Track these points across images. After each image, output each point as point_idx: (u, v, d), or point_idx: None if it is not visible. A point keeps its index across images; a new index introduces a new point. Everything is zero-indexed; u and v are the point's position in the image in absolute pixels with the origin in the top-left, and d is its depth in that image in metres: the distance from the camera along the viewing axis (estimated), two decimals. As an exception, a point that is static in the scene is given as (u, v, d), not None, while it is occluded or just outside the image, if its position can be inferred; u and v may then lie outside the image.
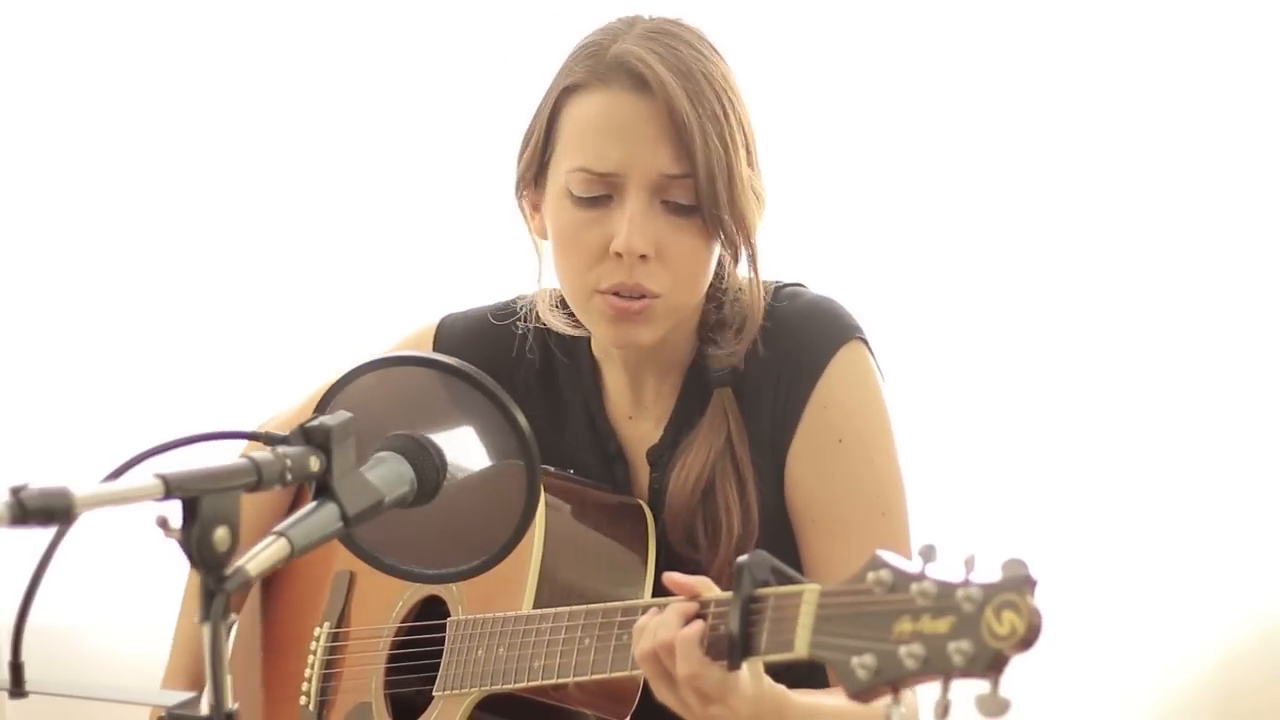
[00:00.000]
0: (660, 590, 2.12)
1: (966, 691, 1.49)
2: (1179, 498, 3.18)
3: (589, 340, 2.29)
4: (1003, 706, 1.47)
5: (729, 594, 1.75)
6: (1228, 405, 3.18)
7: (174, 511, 1.46)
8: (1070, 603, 3.12)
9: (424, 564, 1.74)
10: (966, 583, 1.52)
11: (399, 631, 2.28)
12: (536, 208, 2.21)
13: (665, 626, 1.82)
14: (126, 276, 3.58)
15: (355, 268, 3.51)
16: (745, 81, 2.19)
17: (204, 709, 1.46)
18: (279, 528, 1.53)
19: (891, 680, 1.54)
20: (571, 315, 2.25)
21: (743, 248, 2.16)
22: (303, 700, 2.35)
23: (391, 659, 2.29)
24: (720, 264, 2.19)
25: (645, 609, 1.89)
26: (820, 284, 2.28)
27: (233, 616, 1.45)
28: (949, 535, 2.96)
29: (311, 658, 2.37)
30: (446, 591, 2.22)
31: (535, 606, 2.09)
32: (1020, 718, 1.50)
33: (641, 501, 2.25)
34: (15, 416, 3.62)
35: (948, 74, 3.25)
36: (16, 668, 1.56)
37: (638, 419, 2.28)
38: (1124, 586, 3.19)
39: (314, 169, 3.52)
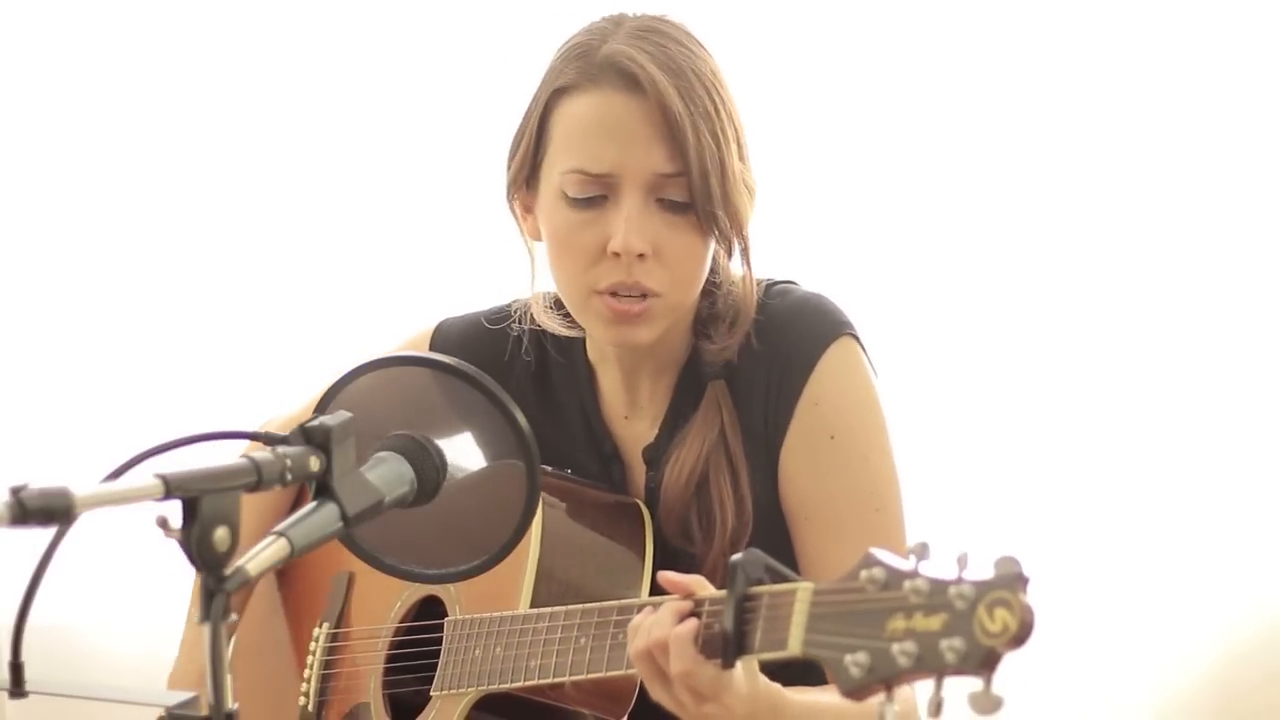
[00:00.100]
0: (657, 589, 2.13)
1: (960, 689, 1.49)
2: (1179, 497, 3.18)
3: (584, 341, 2.30)
4: (995, 704, 1.47)
5: (723, 592, 1.75)
6: (1227, 404, 3.18)
7: (174, 511, 1.46)
8: (1070, 602, 3.12)
9: (424, 564, 1.74)
10: (959, 580, 1.52)
11: (397, 632, 2.29)
12: (529, 210, 2.22)
13: (659, 625, 1.82)
14: (126, 276, 3.58)
15: (354, 270, 3.51)
16: (735, 77, 2.19)
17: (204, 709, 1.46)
18: (279, 528, 1.53)
19: (885, 678, 1.54)
20: (566, 316, 2.26)
21: (735, 242, 2.16)
22: (302, 701, 2.35)
23: (390, 659, 2.29)
24: (714, 258, 2.19)
25: (640, 608, 1.89)
26: (812, 280, 2.28)
27: (233, 616, 1.45)
28: (945, 533, 2.98)
29: (311, 658, 2.37)
30: (444, 591, 2.22)
31: (532, 606, 2.10)
32: (1020, 718, 1.51)
33: (639, 501, 2.25)
34: (15, 416, 3.62)
35: (938, 70, 3.25)
36: (16, 668, 1.56)
37: (633, 419, 2.28)
38: (1123, 586, 3.19)
39: (313, 170, 3.52)
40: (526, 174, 2.19)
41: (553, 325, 2.28)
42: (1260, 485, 3.17)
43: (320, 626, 2.37)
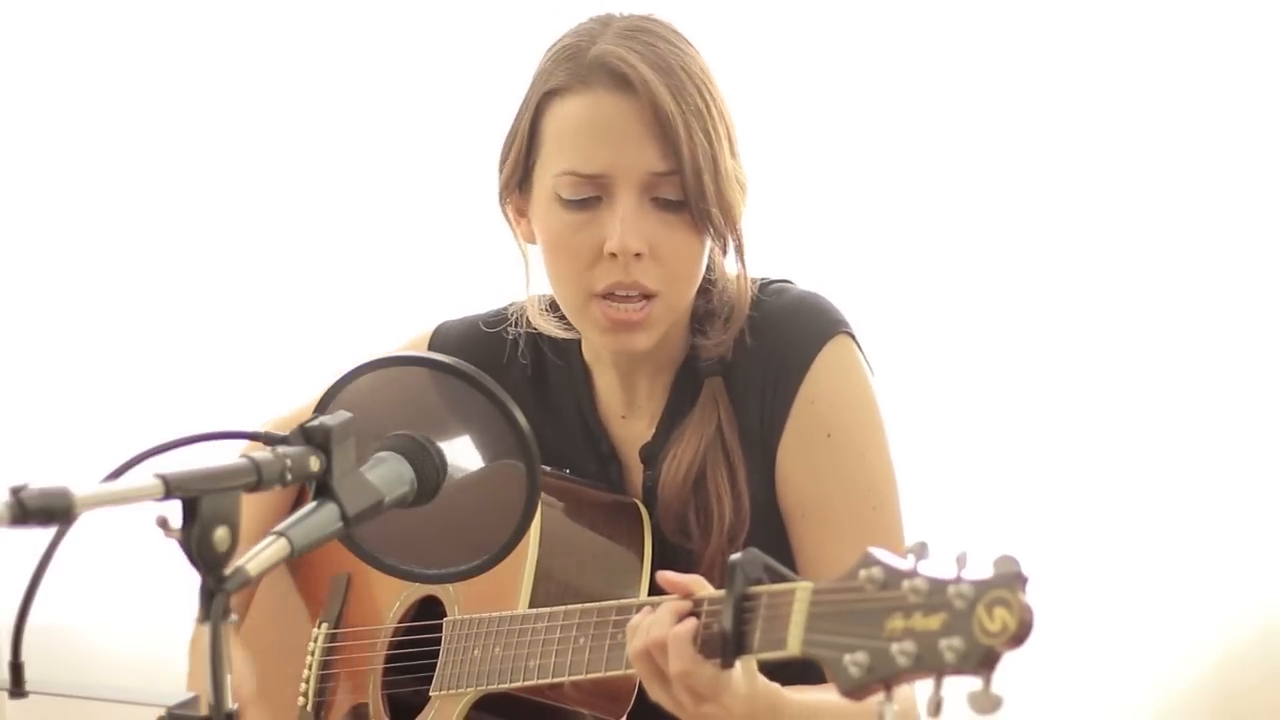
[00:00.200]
0: (656, 589, 2.13)
1: (959, 688, 1.49)
2: (1178, 497, 3.18)
3: (580, 342, 2.30)
4: (995, 703, 1.47)
5: (722, 592, 1.75)
6: (1227, 404, 3.18)
7: (174, 511, 1.46)
8: (1069, 602, 3.12)
9: (424, 564, 1.74)
10: (958, 580, 1.52)
11: (396, 632, 2.29)
12: (522, 214, 2.22)
13: (658, 625, 1.82)
14: (126, 276, 3.58)
15: (354, 271, 3.51)
16: (731, 76, 2.19)
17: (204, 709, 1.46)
18: (279, 527, 1.53)
19: (884, 678, 1.54)
20: (562, 319, 2.26)
21: (729, 238, 2.16)
22: (300, 701, 2.35)
23: (389, 659, 2.29)
24: (709, 256, 2.19)
25: (639, 608, 1.89)
26: (807, 279, 2.28)
27: (233, 616, 1.45)
28: (943, 531, 2.97)
29: (309, 658, 2.37)
30: (443, 591, 2.22)
31: (531, 606, 2.09)
32: (1020, 718, 1.51)
33: (637, 501, 2.25)
34: (15, 416, 3.62)
35: (932, 69, 3.25)
36: (16, 668, 1.56)
37: (630, 419, 2.28)
38: (1123, 586, 3.19)
39: (313, 172, 3.52)
40: (519, 178, 2.19)
41: (548, 328, 2.28)
42: (1260, 485, 3.17)
43: (319, 627, 2.37)
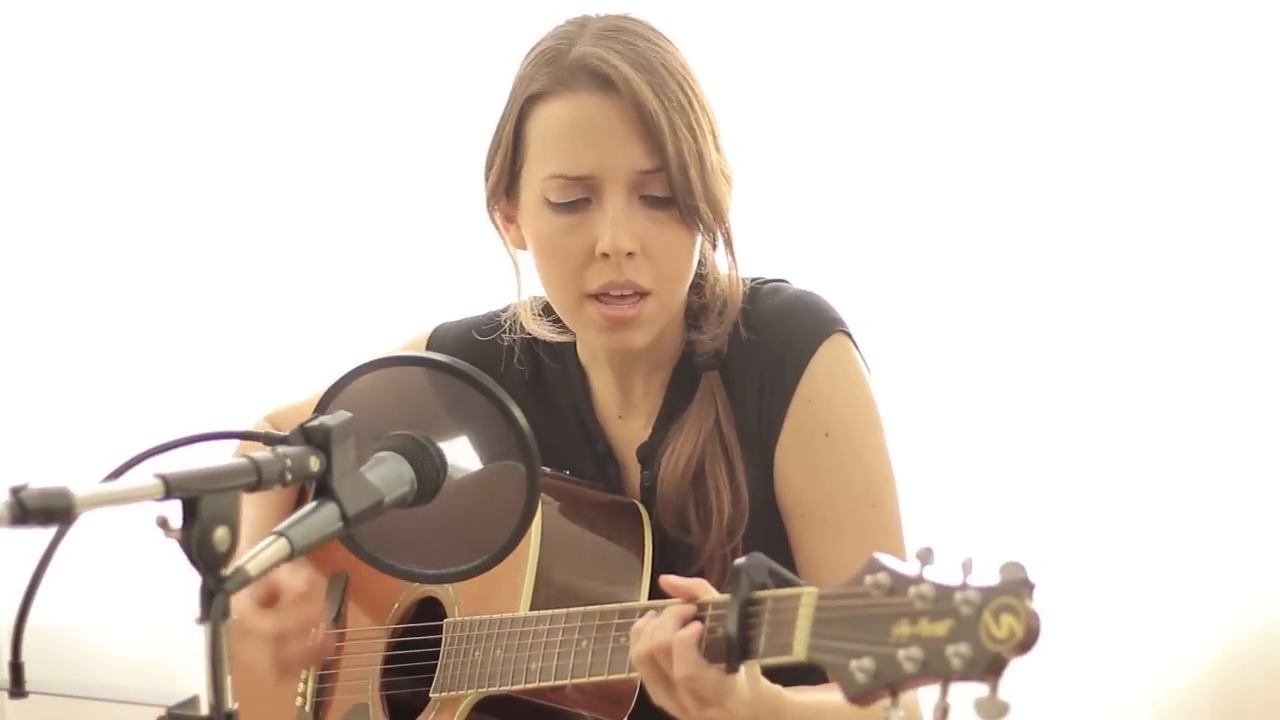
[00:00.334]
0: (657, 590, 2.13)
1: (965, 693, 1.49)
2: (1178, 497, 3.18)
3: (575, 344, 2.30)
4: (1001, 709, 1.47)
5: (726, 596, 1.75)
6: (1227, 405, 3.18)
7: (174, 511, 1.46)
8: (1069, 602, 3.12)
9: (424, 564, 1.74)
10: (964, 586, 1.52)
11: (395, 632, 2.28)
12: (511, 220, 2.22)
13: (662, 629, 1.82)
14: (126, 276, 3.58)
15: (353, 271, 3.52)
16: (726, 75, 2.19)
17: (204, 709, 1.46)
18: (279, 527, 1.54)
19: (890, 683, 1.54)
20: (556, 322, 2.26)
21: (718, 231, 2.16)
22: (298, 701, 2.35)
23: (388, 660, 2.28)
24: (700, 251, 2.19)
25: (642, 611, 1.89)
26: (803, 277, 2.28)
27: (234, 616, 1.45)
28: (942, 533, 2.98)
29: (308, 658, 2.37)
30: (443, 592, 2.22)
31: (532, 608, 2.09)
32: (1020, 718, 1.51)
33: (637, 501, 2.25)
34: (15, 416, 3.62)
35: (929, 67, 3.25)
36: (16, 668, 1.56)
37: (627, 419, 2.28)
38: (1123, 587, 3.19)
39: (313, 172, 3.52)
40: (506, 184, 2.19)
41: (542, 332, 2.28)
42: (1260, 485, 3.17)
43: (317, 627, 2.37)
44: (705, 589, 1.84)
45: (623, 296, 2.13)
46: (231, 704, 1.44)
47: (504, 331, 2.33)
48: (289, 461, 1.53)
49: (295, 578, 2.19)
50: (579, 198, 2.12)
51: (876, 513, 2.17)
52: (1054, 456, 3.23)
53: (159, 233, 3.57)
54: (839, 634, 1.59)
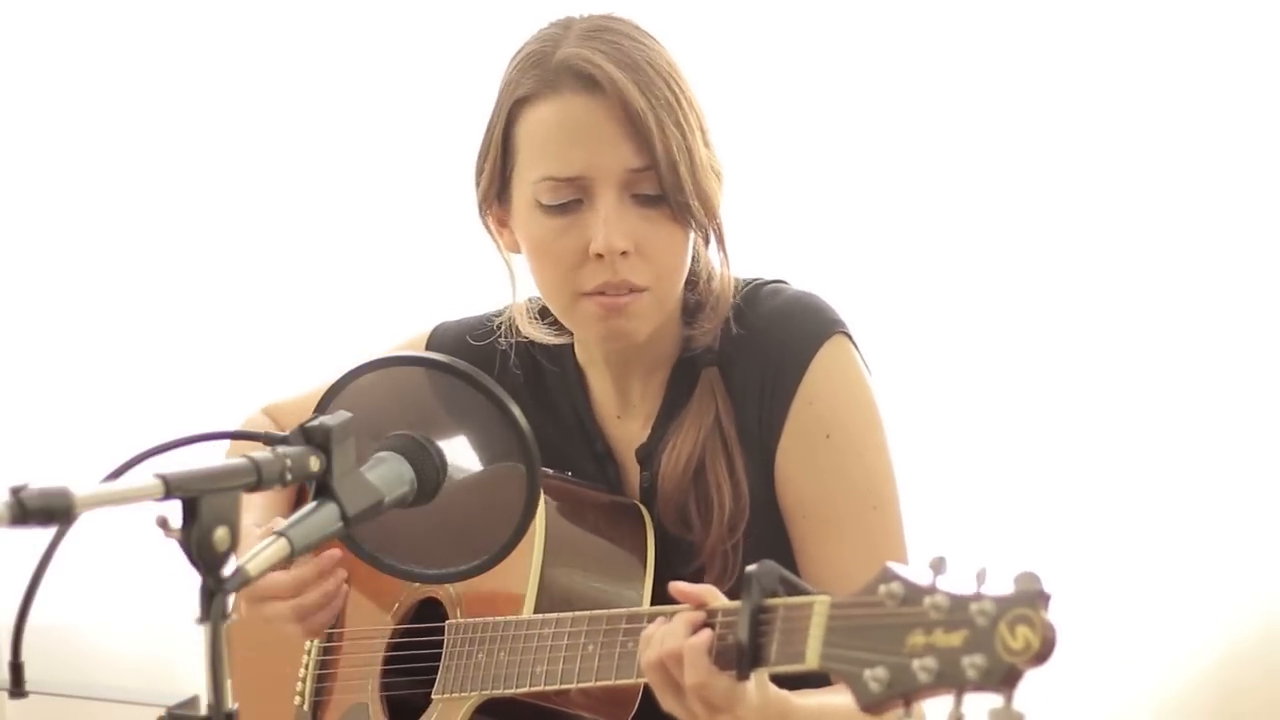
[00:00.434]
0: (659, 591, 2.13)
1: (977, 704, 1.49)
2: (1178, 497, 3.18)
3: (573, 346, 2.30)
4: None
5: (736, 603, 1.75)
6: (1227, 405, 3.18)
7: (174, 511, 1.46)
8: (1069, 602, 3.11)
9: (424, 564, 1.74)
10: (979, 596, 1.52)
11: (395, 633, 2.28)
12: (504, 224, 2.22)
13: (673, 636, 1.82)
14: (126, 276, 3.58)
15: (352, 271, 3.52)
16: (725, 77, 2.19)
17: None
18: (279, 527, 1.53)
19: (904, 693, 1.54)
20: (552, 324, 2.26)
21: (710, 227, 2.16)
22: (297, 700, 2.35)
23: (388, 660, 2.28)
24: (694, 248, 2.19)
25: (651, 617, 1.89)
26: (805, 278, 2.28)
27: (233, 616, 1.45)
28: (942, 534, 2.98)
29: (306, 657, 2.37)
30: (444, 593, 2.21)
31: (536, 610, 2.09)
32: (1020, 718, 1.51)
33: (638, 503, 2.25)
34: (15, 416, 3.62)
35: (929, 67, 3.25)
36: (16, 668, 1.56)
37: (626, 419, 2.28)
38: (1124, 587, 3.19)
39: (313, 173, 3.52)
40: (497, 189, 2.19)
41: (539, 335, 2.28)
42: (1260, 485, 3.17)
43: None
44: (715, 595, 1.84)
45: (618, 295, 2.13)
46: (231, 704, 1.44)
47: (499, 336, 2.33)
48: (289, 461, 1.53)
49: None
50: (570, 199, 2.12)
51: (878, 514, 2.17)
52: (1053, 457, 3.22)
53: (158, 233, 3.57)
54: (852, 643, 1.59)
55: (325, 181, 3.52)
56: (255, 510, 2.24)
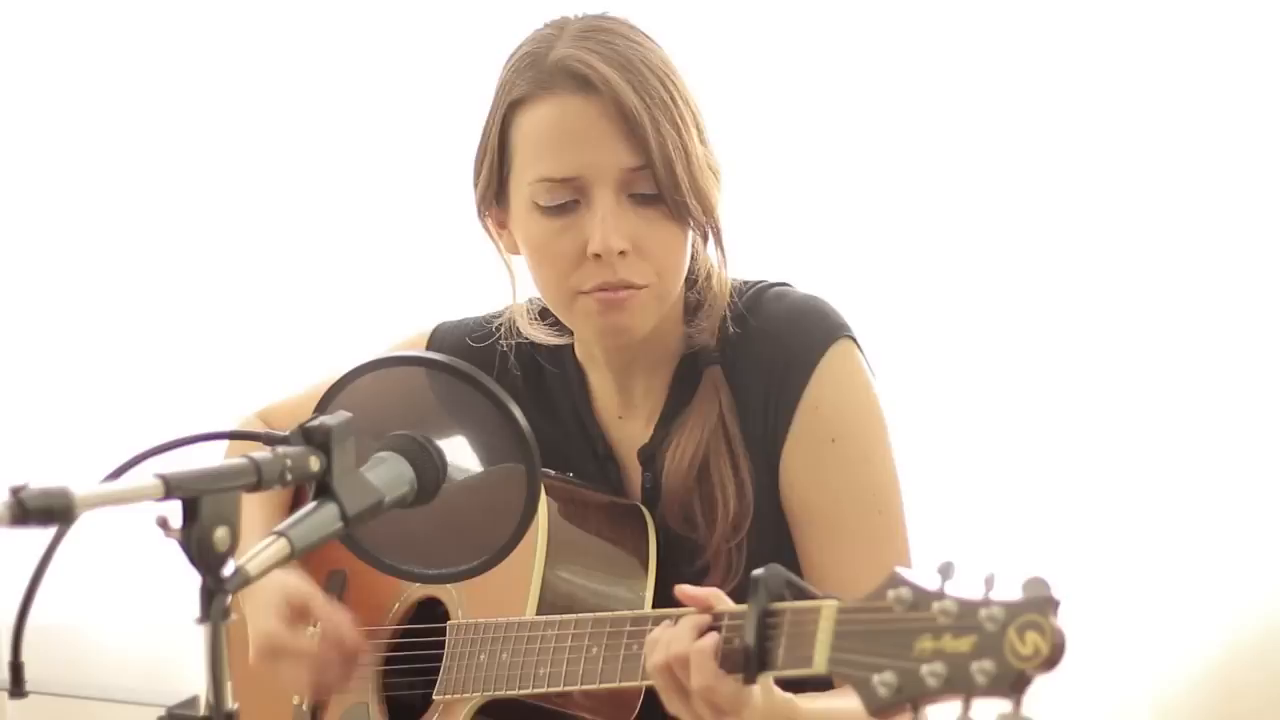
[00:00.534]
0: (662, 588, 2.13)
1: (986, 709, 1.50)
2: (1179, 498, 3.18)
3: (573, 346, 2.30)
4: None
5: (743, 607, 1.75)
6: (1227, 405, 3.18)
7: (174, 511, 1.46)
8: (1070, 602, 3.11)
9: (424, 564, 1.74)
10: (988, 602, 1.52)
11: (396, 633, 2.28)
12: (503, 226, 2.22)
13: (679, 639, 1.82)
14: (126, 276, 3.58)
15: (352, 271, 3.52)
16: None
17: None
18: (279, 528, 1.53)
19: (912, 698, 1.54)
20: (553, 325, 2.26)
21: (707, 225, 2.16)
22: (296, 700, 2.35)
23: (388, 660, 2.28)
24: (694, 247, 2.19)
25: (656, 620, 1.89)
26: (807, 279, 2.28)
27: (234, 615, 1.45)
28: (943, 535, 2.97)
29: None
30: (446, 594, 2.21)
31: (538, 611, 2.09)
32: (1020, 718, 1.51)
33: (640, 504, 2.25)
34: (15, 416, 3.62)
35: (934, 71, 3.24)
36: (16, 668, 1.56)
37: (628, 418, 2.28)
38: (1124, 585, 3.19)
39: (313, 173, 3.52)
40: (494, 191, 2.20)
41: (539, 336, 2.28)
42: (1260, 485, 3.16)
43: (315, 625, 2.37)
44: (721, 599, 1.84)
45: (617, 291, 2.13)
46: (231, 704, 1.44)
47: (500, 337, 2.33)
48: (289, 461, 1.53)
49: (319, 598, 2.21)
50: (567, 200, 2.13)
51: (882, 518, 2.17)
52: (1054, 458, 3.22)
53: (158, 233, 3.57)
54: (860, 647, 1.59)
55: (325, 182, 3.52)
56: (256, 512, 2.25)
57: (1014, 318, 3.24)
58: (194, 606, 1.45)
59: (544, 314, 2.28)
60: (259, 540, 1.52)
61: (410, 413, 1.67)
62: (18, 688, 1.57)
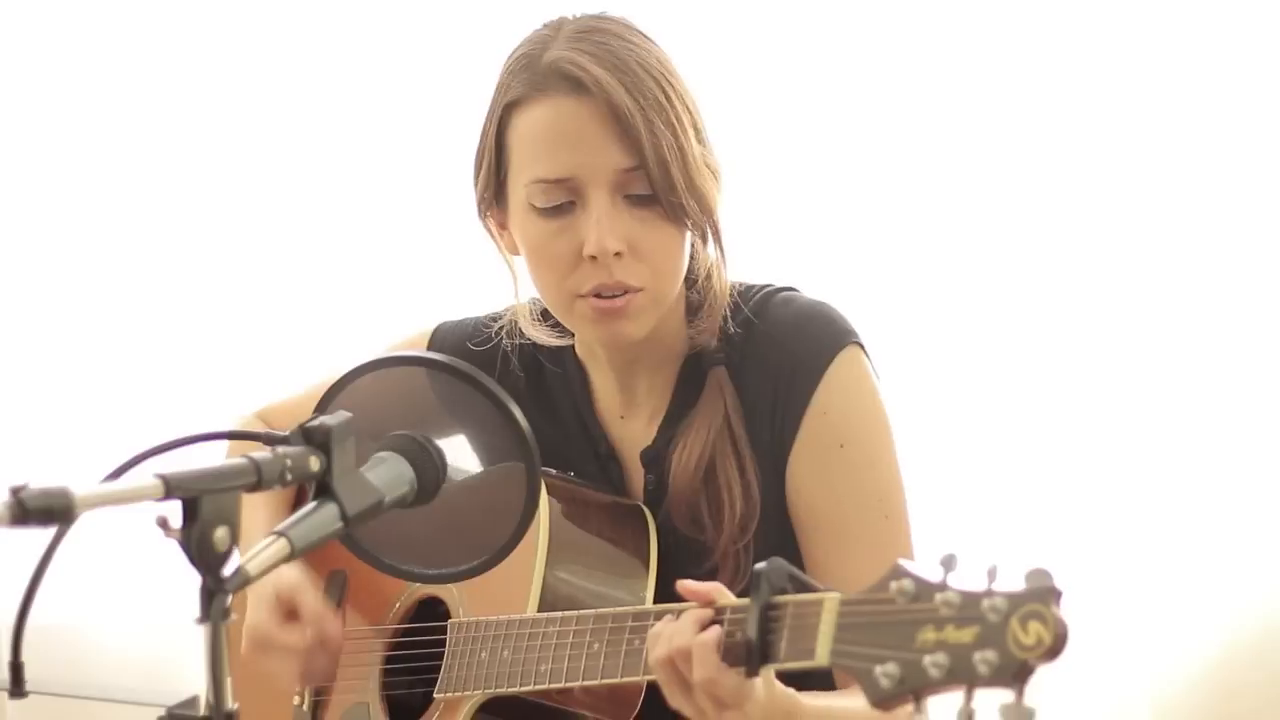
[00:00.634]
0: (662, 590, 2.13)
1: (989, 700, 1.50)
2: (1178, 497, 3.18)
3: (574, 346, 2.30)
4: (1027, 715, 1.48)
5: (745, 600, 1.75)
6: (1227, 405, 3.18)
7: (174, 511, 1.46)
8: (1070, 602, 3.11)
9: (424, 564, 1.74)
10: (990, 592, 1.53)
11: (396, 632, 2.28)
12: (503, 226, 2.22)
13: (681, 633, 1.82)
14: (126, 276, 3.58)
15: (353, 271, 3.52)
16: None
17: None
18: (279, 528, 1.53)
19: (915, 689, 1.54)
20: (554, 325, 2.26)
21: (706, 226, 2.16)
22: (296, 700, 2.35)
23: (389, 659, 2.28)
24: (695, 248, 2.19)
25: (658, 615, 1.89)
26: (812, 283, 2.28)
27: (234, 616, 1.45)
28: (944, 538, 2.97)
29: (306, 656, 2.36)
30: (447, 593, 2.21)
31: (540, 609, 2.09)
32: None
33: (641, 504, 2.25)
34: (15, 416, 3.62)
35: (943, 74, 3.24)
36: (16, 668, 1.56)
37: (630, 418, 2.28)
38: (1123, 586, 3.19)
39: (312, 173, 3.52)
40: (493, 191, 2.20)
41: (541, 336, 2.28)
42: (1260, 485, 3.17)
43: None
44: (723, 593, 1.84)
45: (613, 297, 2.13)
46: (231, 704, 1.44)
47: (501, 337, 2.33)
48: (289, 461, 1.53)
49: (308, 594, 2.22)
50: (563, 201, 2.13)
51: (888, 523, 2.18)
52: (1054, 458, 3.22)
53: (158, 233, 3.57)
54: (863, 639, 1.59)
55: (325, 182, 3.51)
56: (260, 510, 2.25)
57: (1014, 319, 3.24)
58: (194, 606, 1.45)
59: (545, 314, 2.28)
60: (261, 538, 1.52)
61: (410, 413, 1.67)
62: (18, 688, 1.57)
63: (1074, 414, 3.22)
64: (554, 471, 2.24)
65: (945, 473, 3.20)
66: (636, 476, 2.27)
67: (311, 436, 1.56)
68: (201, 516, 1.45)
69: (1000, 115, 3.23)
